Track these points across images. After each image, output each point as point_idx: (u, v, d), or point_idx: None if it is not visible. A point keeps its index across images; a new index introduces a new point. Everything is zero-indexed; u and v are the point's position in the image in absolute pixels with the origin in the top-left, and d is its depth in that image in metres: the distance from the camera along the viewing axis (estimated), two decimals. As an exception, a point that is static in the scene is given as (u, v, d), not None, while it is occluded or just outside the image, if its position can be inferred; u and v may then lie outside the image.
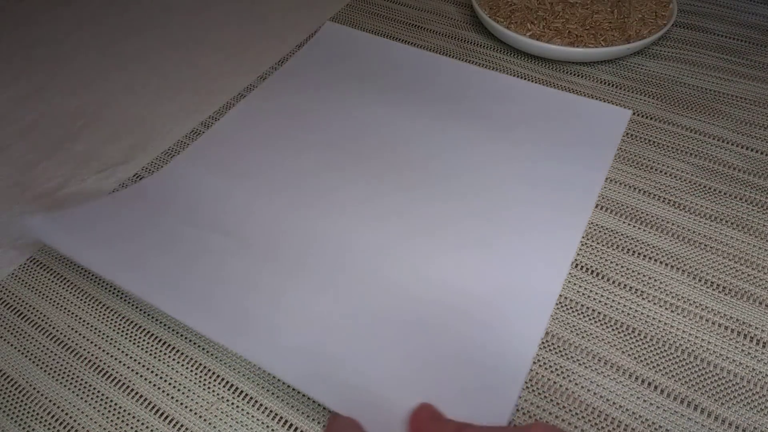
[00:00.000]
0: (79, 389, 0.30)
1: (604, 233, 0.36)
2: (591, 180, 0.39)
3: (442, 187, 0.39)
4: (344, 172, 0.40)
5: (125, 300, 0.34)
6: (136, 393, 0.30)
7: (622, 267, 0.34)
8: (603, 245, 0.36)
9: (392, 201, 0.38)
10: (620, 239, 0.36)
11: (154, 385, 0.30)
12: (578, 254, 0.35)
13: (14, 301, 0.34)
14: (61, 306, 0.34)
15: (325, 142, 0.42)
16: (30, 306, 0.34)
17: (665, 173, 0.39)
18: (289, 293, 0.33)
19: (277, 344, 0.30)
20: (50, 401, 0.30)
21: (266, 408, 0.29)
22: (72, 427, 0.29)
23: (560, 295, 0.33)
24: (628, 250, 0.35)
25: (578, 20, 0.47)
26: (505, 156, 0.40)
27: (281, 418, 0.29)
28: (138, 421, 0.29)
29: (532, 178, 0.39)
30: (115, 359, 0.31)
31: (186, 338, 0.32)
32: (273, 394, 0.30)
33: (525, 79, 0.47)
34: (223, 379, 0.31)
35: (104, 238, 0.35)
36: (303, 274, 0.34)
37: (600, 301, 0.33)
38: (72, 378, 0.31)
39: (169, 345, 0.32)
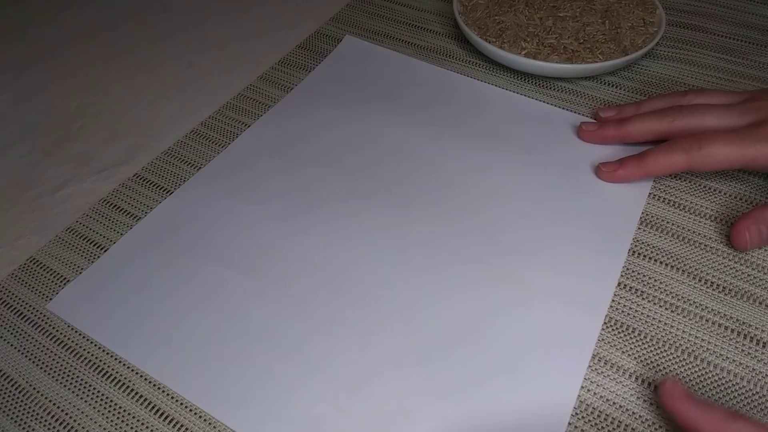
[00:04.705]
0: (79, 389, 0.30)
1: (604, 233, 0.36)
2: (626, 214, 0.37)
3: (466, 220, 0.37)
4: (371, 206, 0.38)
5: (125, 300, 0.34)
6: (136, 393, 0.30)
7: (622, 267, 0.34)
8: (603, 245, 0.36)
9: (419, 238, 0.36)
10: (620, 239, 0.36)
11: (154, 385, 0.30)
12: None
13: (14, 301, 0.34)
14: (61, 306, 0.34)
15: (348, 168, 0.40)
16: (30, 306, 0.34)
17: (665, 173, 0.39)
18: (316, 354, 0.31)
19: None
20: (50, 401, 0.30)
21: (266, 408, 0.29)
22: (72, 427, 0.29)
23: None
24: (628, 249, 0.35)
25: (571, 34, 0.46)
26: (526, 180, 0.39)
27: (281, 418, 0.29)
28: (138, 421, 0.29)
29: (560, 208, 0.37)
30: (115, 359, 0.31)
31: (186, 338, 0.32)
32: (273, 394, 0.30)
33: (519, 92, 0.46)
34: (223, 379, 0.30)
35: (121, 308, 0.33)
36: (329, 329, 0.32)
37: (600, 301, 0.33)
38: (72, 378, 0.31)
39: (169, 345, 0.32)
